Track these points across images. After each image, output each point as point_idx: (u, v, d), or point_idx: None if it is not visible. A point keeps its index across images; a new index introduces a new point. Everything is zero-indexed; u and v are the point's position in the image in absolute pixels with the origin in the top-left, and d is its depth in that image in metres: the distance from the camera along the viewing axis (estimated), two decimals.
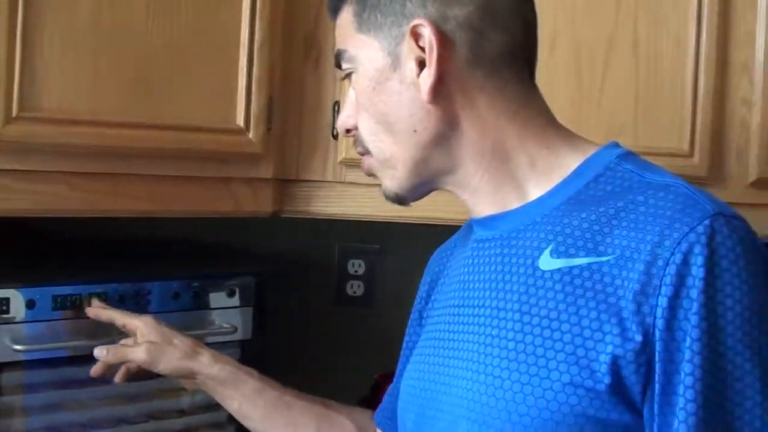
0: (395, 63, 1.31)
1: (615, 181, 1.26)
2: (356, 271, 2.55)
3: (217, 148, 1.86)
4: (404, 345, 1.64)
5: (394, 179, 1.37)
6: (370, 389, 2.23)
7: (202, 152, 1.84)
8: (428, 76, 1.27)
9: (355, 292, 2.54)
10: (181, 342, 1.70)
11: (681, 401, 1.12)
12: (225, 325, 1.97)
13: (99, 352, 1.70)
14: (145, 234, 2.29)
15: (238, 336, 2.01)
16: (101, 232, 2.20)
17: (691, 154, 1.96)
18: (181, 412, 2.00)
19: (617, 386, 1.14)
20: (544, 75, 1.78)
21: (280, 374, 2.31)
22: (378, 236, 2.51)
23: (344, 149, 1.96)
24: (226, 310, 1.99)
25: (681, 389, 1.12)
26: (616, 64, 1.94)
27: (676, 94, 1.95)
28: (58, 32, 1.65)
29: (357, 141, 1.40)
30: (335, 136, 1.97)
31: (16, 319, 1.72)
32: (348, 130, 1.41)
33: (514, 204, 1.33)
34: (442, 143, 1.32)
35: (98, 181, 1.74)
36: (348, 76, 1.39)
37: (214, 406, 2.00)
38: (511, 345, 1.23)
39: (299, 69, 2.01)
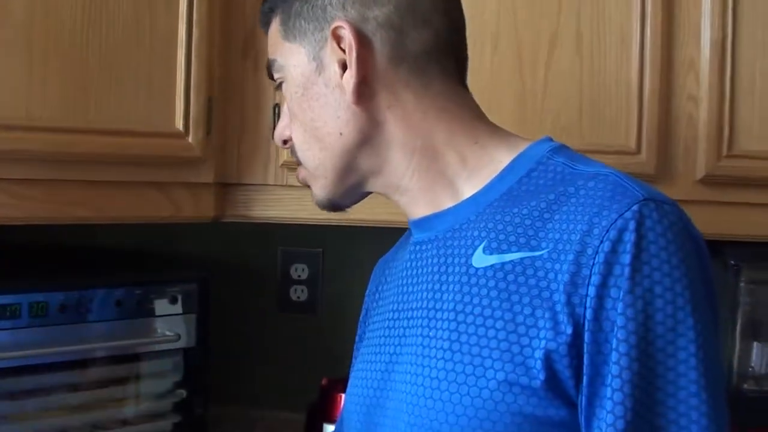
0: (320, 67, 1.32)
1: (547, 174, 1.26)
2: (299, 276, 2.52)
3: (156, 152, 1.84)
4: (353, 358, 1.62)
5: (324, 188, 1.38)
6: (318, 394, 2.21)
7: (141, 157, 1.82)
8: (351, 76, 1.28)
9: (299, 297, 2.52)
10: None
11: (608, 391, 1.11)
12: (168, 333, 1.96)
13: None
14: (86, 241, 2.27)
15: (181, 344, 1.99)
16: (41, 240, 2.17)
17: (638, 152, 1.95)
18: (124, 422, 1.98)
19: (552, 381, 1.14)
20: (488, 75, 1.77)
21: (226, 382, 2.30)
22: (320, 240, 2.49)
23: (285, 152, 1.93)
24: (169, 318, 1.97)
25: (609, 379, 1.11)
26: (559, 63, 1.93)
27: (622, 92, 1.94)
28: None
29: (292, 151, 1.41)
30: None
31: None
32: (285, 141, 1.42)
33: (447, 203, 1.33)
34: (370, 144, 1.32)
35: (36, 188, 1.72)
36: (280, 86, 1.40)
37: (159, 416, 1.99)
38: (446, 345, 1.22)
39: (238, 71, 1.99)
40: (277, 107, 1.95)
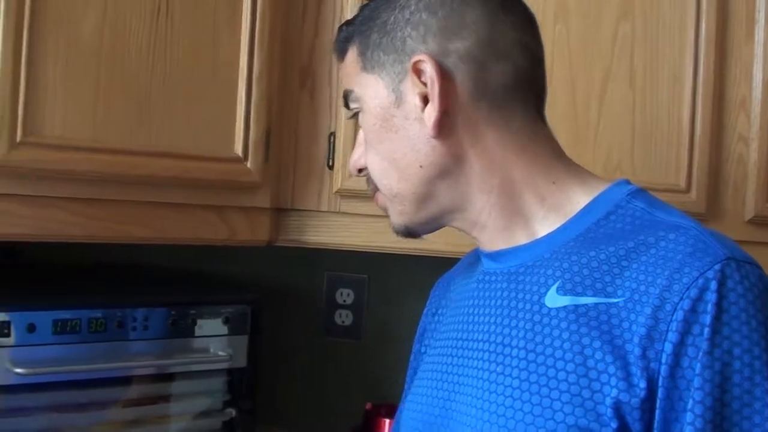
0: (399, 99, 1.30)
1: (625, 219, 1.25)
2: (344, 301, 2.55)
3: (215, 176, 1.88)
4: (408, 378, 1.62)
5: (402, 215, 1.37)
6: (363, 418, 2.24)
7: (200, 181, 1.86)
8: (432, 110, 1.27)
9: (343, 322, 2.55)
10: None
11: None
12: (220, 353, 1.98)
13: None
14: (142, 260, 2.31)
15: (231, 364, 2.01)
16: (99, 258, 2.21)
17: (688, 190, 1.97)
18: None
19: (622, 430, 1.12)
20: None
21: (272, 402, 2.33)
22: (366, 266, 2.52)
23: (339, 180, 1.98)
24: (221, 338, 2.00)
25: None
26: (612, 100, 1.95)
27: (673, 130, 1.95)
28: (61, 61, 1.68)
29: (368, 179, 1.40)
30: (330, 167, 1.99)
31: (17, 343, 1.74)
32: (360, 170, 1.42)
33: (522, 240, 1.31)
34: (449, 178, 1.31)
35: (98, 208, 1.76)
36: (356, 115, 1.39)
37: None
38: (515, 383, 1.21)
39: (295, 100, 2.03)
40: (332, 135, 1.99)
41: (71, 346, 1.80)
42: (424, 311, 1.61)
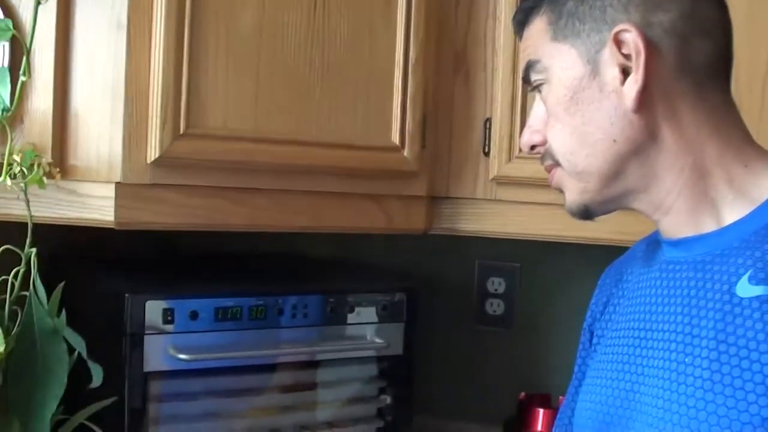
0: (595, 71, 1.26)
1: None
2: (496, 290, 2.55)
3: (373, 165, 1.89)
4: (576, 368, 1.59)
5: (585, 193, 1.32)
6: (516, 408, 2.23)
7: (359, 170, 1.88)
8: (634, 82, 1.23)
9: (495, 311, 2.54)
10: None
11: None
12: (376, 340, 2.00)
13: None
14: (299, 249, 2.34)
15: (390, 351, 2.03)
16: (258, 247, 2.25)
17: None
18: (330, 425, 2.04)
19: None
20: None
21: (424, 391, 2.34)
22: (518, 254, 2.51)
23: (495, 166, 1.97)
24: (376, 325, 2.02)
25: None
26: None
27: None
28: (221, 54, 1.71)
29: (545, 155, 1.35)
30: (486, 153, 1.98)
31: (180, 330, 1.78)
32: (532, 147, 1.37)
33: (709, 227, 1.27)
34: (641, 156, 1.26)
35: (259, 197, 1.79)
36: (537, 87, 1.35)
37: (362, 419, 2.04)
38: (705, 374, 1.18)
39: (449, 86, 2.03)
40: (488, 122, 1.98)
41: (232, 333, 1.84)
42: (593, 300, 1.57)
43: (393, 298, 2.03)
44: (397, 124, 1.90)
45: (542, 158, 1.37)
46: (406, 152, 1.91)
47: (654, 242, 1.41)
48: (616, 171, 1.28)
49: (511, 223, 2.00)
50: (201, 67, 1.69)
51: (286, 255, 2.39)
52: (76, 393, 1.60)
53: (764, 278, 1.17)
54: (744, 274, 1.20)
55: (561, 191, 1.37)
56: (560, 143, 1.32)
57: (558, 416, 1.62)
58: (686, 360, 1.21)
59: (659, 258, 1.36)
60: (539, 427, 2.16)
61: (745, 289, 1.18)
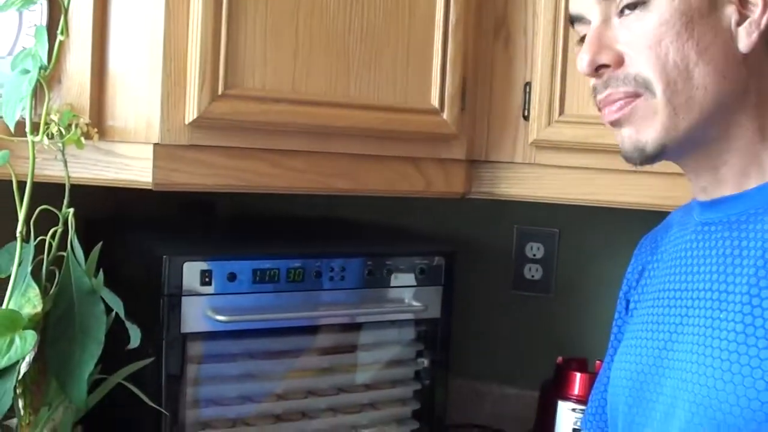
0: (712, 4, 1.24)
1: None
2: (534, 255, 2.54)
3: (413, 128, 1.88)
4: (612, 336, 1.59)
5: (672, 130, 1.25)
6: (554, 372, 2.23)
7: (398, 132, 1.87)
8: (756, 26, 1.23)
9: (533, 276, 2.54)
10: None
11: None
12: (414, 303, 2.00)
13: None
14: (339, 213, 2.34)
15: (427, 314, 2.03)
16: (296, 210, 2.25)
17: None
18: (368, 387, 2.05)
19: None
20: None
21: (462, 354, 2.34)
22: (557, 220, 2.51)
23: (535, 130, 1.95)
24: (415, 289, 2.02)
25: None
26: None
27: None
28: (260, 15, 1.69)
29: (618, 81, 1.28)
30: (526, 117, 1.97)
31: (217, 291, 1.78)
32: (600, 67, 1.29)
33: (750, 185, 1.28)
34: (735, 103, 1.25)
35: (297, 159, 1.78)
36: (628, 6, 1.27)
37: (399, 382, 2.05)
38: (739, 328, 1.19)
39: (489, 50, 2.01)
40: (528, 86, 1.96)
41: (270, 295, 1.84)
42: (628, 270, 1.57)
43: (431, 262, 2.03)
44: (437, 86, 1.89)
45: (603, 85, 1.30)
46: (445, 115, 1.90)
47: (688, 209, 1.41)
48: (715, 110, 1.25)
49: (550, 187, 1.99)
50: (240, 27, 1.68)
51: (325, 218, 2.39)
52: (115, 354, 1.61)
53: None
54: None
55: (619, 124, 1.30)
56: (664, 67, 1.24)
57: (595, 383, 1.62)
58: (720, 315, 1.23)
59: (694, 221, 1.37)
60: (576, 391, 2.15)
61: None
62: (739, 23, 1.23)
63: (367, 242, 2.14)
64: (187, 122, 1.65)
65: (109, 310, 1.59)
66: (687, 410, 1.23)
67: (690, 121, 1.24)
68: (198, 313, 1.77)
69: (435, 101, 1.89)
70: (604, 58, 1.28)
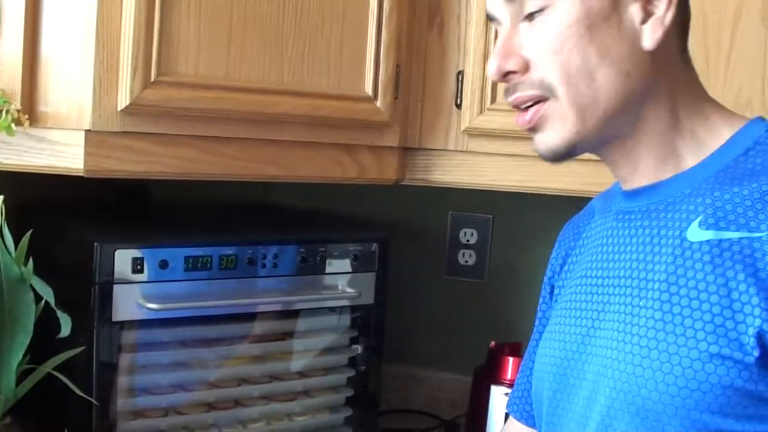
0: (615, 4, 1.25)
1: (765, 155, 1.23)
2: (468, 241, 2.55)
3: (346, 115, 1.88)
4: (537, 321, 1.62)
5: (577, 132, 1.27)
6: (487, 357, 2.24)
7: (331, 119, 1.86)
8: (660, 24, 1.24)
9: (467, 261, 2.55)
10: None
11: None
12: (348, 290, 2.01)
13: None
14: (272, 200, 2.33)
15: (361, 301, 2.04)
16: (230, 197, 2.24)
17: None
18: (301, 374, 2.04)
19: (765, 359, 1.13)
20: None
21: (397, 340, 2.35)
22: (491, 206, 2.52)
23: (467, 118, 1.96)
24: (348, 275, 2.02)
25: None
26: (744, 36, 1.89)
27: None
28: (194, 0, 1.68)
29: (523, 85, 1.29)
30: (458, 105, 1.98)
31: (149, 279, 1.77)
32: (507, 74, 1.30)
33: (667, 175, 1.30)
34: (642, 100, 1.27)
35: (230, 146, 1.77)
36: (532, 15, 1.28)
37: (333, 369, 2.05)
38: (657, 315, 1.21)
39: (423, 38, 2.01)
40: (461, 74, 1.97)
41: (202, 283, 1.83)
42: (552, 255, 1.59)
43: (365, 249, 2.03)
44: (371, 74, 1.89)
45: (512, 89, 1.31)
46: (378, 102, 1.91)
47: (609, 195, 1.44)
48: (621, 108, 1.27)
49: (482, 174, 2.00)
50: (173, 13, 1.67)
51: (259, 205, 2.38)
52: (46, 343, 1.60)
53: (714, 223, 1.21)
54: (695, 219, 1.23)
55: (534, 130, 1.32)
56: (566, 72, 1.26)
57: (521, 367, 1.64)
58: (639, 303, 1.25)
59: (615, 208, 1.39)
60: (509, 375, 2.16)
61: (696, 233, 1.22)
62: (643, 21, 1.25)
63: (301, 229, 2.14)
64: (119, 109, 1.63)
65: (39, 298, 1.58)
66: (608, 396, 1.26)
67: (596, 120, 1.26)
68: (130, 301, 1.76)
69: (368, 89, 1.89)
70: (511, 65, 1.29)
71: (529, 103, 1.30)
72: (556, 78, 1.26)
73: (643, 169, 1.32)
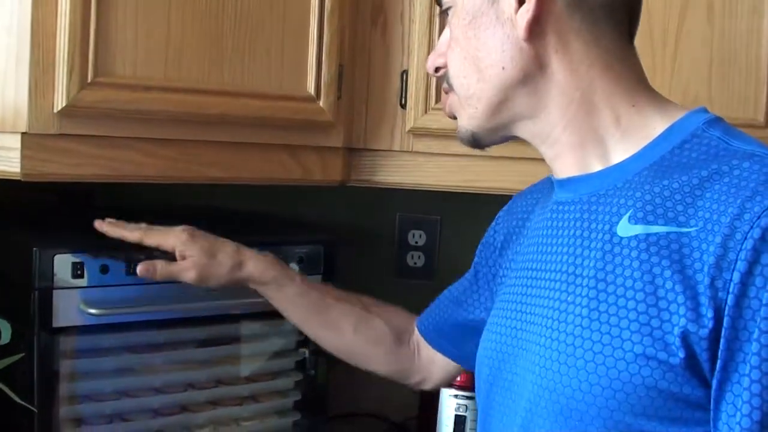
0: None
1: (701, 148, 1.23)
2: (416, 242, 2.55)
3: (288, 116, 1.86)
4: (472, 281, 1.73)
5: (472, 118, 1.36)
6: None
7: (273, 120, 1.85)
8: (526, 11, 1.26)
9: (415, 263, 2.54)
10: (225, 255, 1.76)
11: (745, 380, 1.09)
12: None
13: (143, 268, 1.73)
14: (215, 202, 2.31)
15: None
16: (172, 200, 2.21)
17: (766, 125, 1.91)
18: (248, 379, 2.03)
19: (690, 360, 1.12)
20: None
21: None
22: (438, 207, 2.51)
23: (412, 118, 1.96)
24: None
25: (745, 368, 1.09)
26: (690, 31, 1.90)
27: (752, 64, 1.90)
28: (131, 1, 1.66)
29: (443, 78, 1.40)
30: (403, 105, 1.97)
31: (91, 284, 1.75)
32: (437, 69, 1.41)
33: (595, 166, 1.31)
34: (529, 85, 1.30)
35: (170, 148, 1.75)
36: (446, 11, 1.38)
37: (281, 373, 2.03)
38: (585, 312, 1.21)
39: (366, 37, 2.01)
40: (405, 74, 1.96)
41: (144, 287, 1.81)
42: (497, 218, 1.70)
43: (311, 251, 2.02)
44: (313, 74, 1.88)
45: (444, 81, 1.41)
46: (321, 102, 1.89)
47: (551, 183, 1.44)
48: (503, 98, 1.32)
49: (429, 174, 2.00)
50: (110, 13, 1.64)
51: (202, 208, 2.36)
52: None
53: (643, 217, 1.21)
54: (625, 214, 1.24)
55: (454, 118, 1.41)
56: (455, 67, 1.36)
57: (437, 299, 1.81)
58: (569, 299, 1.25)
59: (552, 199, 1.40)
60: (458, 378, 2.15)
61: (625, 228, 1.22)
62: (517, 11, 1.27)
63: (246, 231, 2.11)
64: (55, 111, 1.61)
65: None
66: (534, 393, 1.26)
67: (484, 110, 1.34)
68: (70, 307, 1.73)
69: (311, 89, 1.88)
70: (438, 62, 1.40)
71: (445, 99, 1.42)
72: (451, 72, 1.37)
73: (567, 157, 1.33)
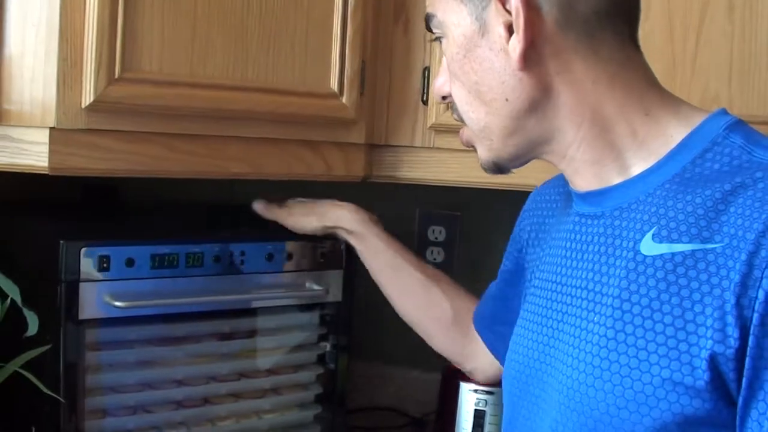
0: (483, 29, 1.25)
1: (723, 159, 1.20)
2: (436, 238, 2.56)
3: (311, 112, 1.88)
4: (502, 278, 1.74)
5: (491, 150, 1.33)
6: None
7: (296, 116, 1.86)
8: (517, 41, 1.21)
9: (435, 259, 2.55)
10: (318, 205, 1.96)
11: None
12: (315, 288, 2.00)
13: (258, 205, 2.00)
14: (239, 197, 2.32)
15: (329, 298, 2.04)
16: (196, 195, 2.23)
17: None
18: (269, 372, 2.04)
19: (717, 382, 1.10)
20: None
21: (367, 338, 2.34)
22: (459, 203, 2.52)
23: (434, 115, 1.97)
24: (315, 273, 2.01)
25: None
26: (710, 31, 1.88)
27: None
28: None
29: (454, 108, 1.37)
30: (425, 102, 1.98)
31: (116, 277, 1.76)
32: (444, 97, 1.38)
33: (614, 179, 1.28)
34: (537, 111, 1.26)
35: (196, 143, 1.77)
36: (438, 40, 1.35)
37: (302, 366, 2.04)
38: (610, 333, 1.19)
39: (389, 34, 2.02)
40: (426, 70, 1.97)
41: (169, 280, 1.82)
42: (521, 217, 1.69)
43: (332, 246, 2.03)
44: (336, 70, 1.89)
45: (452, 111, 1.39)
46: (344, 99, 1.90)
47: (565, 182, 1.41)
48: (515, 128, 1.29)
49: (449, 170, 2.01)
50: (137, 9, 1.65)
51: (226, 203, 2.37)
52: (12, 341, 1.59)
53: (667, 235, 1.18)
54: (648, 231, 1.21)
55: (473, 148, 1.38)
56: (461, 101, 1.33)
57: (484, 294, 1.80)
58: (594, 318, 1.23)
59: (574, 210, 1.37)
60: None
61: (649, 246, 1.20)
62: (508, 41, 1.23)
63: (269, 226, 2.13)
64: (83, 106, 1.62)
65: (5, 296, 1.57)
66: (561, 413, 1.25)
67: (499, 142, 1.31)
68: (96, 300, 1.74)
69: (334, 85, 1.89)
70: (443, 90, 1.38)
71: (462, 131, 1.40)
72: (458, 106, 1.35)
73: (585, 173, 1.31)
